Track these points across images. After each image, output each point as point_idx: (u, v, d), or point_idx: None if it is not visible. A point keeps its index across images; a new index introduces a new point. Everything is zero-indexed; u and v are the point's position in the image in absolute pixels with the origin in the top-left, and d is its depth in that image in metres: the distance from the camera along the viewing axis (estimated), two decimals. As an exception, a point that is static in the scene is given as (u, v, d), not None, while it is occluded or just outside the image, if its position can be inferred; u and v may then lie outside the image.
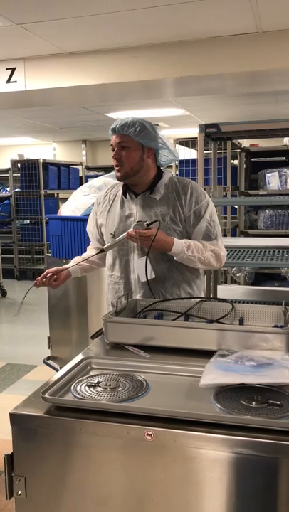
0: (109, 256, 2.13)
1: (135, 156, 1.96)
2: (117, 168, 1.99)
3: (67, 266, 2.13)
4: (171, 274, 2.00)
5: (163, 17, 3.14)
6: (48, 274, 2.02)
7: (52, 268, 2.06)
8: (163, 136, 2.05)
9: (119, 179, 2.03)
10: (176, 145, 5.58)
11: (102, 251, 2.01)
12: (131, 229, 1.88)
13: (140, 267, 1.94)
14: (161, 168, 2.10)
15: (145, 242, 1.85)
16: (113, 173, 3.82)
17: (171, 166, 6.24)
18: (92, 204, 3.39)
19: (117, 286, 2.09)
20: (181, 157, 5.80)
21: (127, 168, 1.97)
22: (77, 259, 2.20)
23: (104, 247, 2.01)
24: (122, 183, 2.09)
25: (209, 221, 2.01)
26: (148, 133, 1.96)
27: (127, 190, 2.08)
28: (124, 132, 1.95)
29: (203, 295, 2.19)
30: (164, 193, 2.03)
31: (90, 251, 2.25)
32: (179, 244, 1.90)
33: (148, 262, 1.90)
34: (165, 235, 1.90)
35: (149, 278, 1.90)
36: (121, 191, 2.10)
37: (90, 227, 2.25)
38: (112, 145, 2.00)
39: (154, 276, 1.94)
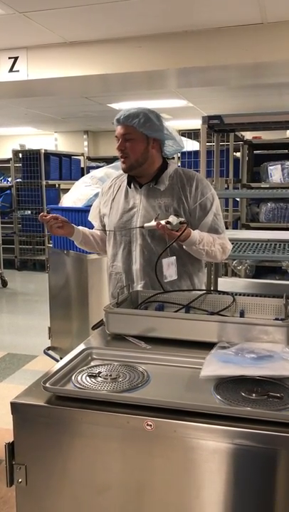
0: (110, 246, 2.13)
1: (140, 147, 1.95)
2: (122, 159, 1.98)
3: (77, 226, 2.11)
4: (173, 266, 2.00)
5: (167, 7, 3.11)
6: (57, 218, 2.00)
7: (63, 218, 2.04)
8: (168, 126, 2.04)
9: (124, 171, 2.03)
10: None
11: (142, 227, 1.96)
12: (166, 220, 1.81)
13: (168, 267, 1.90)
14: (167, 159, 2.09)
15: (170, 237, 1.83)
16: (115, 164, 3.83)
17: (174, 158, 6.23)
18: (94, 195, 3.40)
19: (119, 277, 2.09)
20: (184, 149, 5.76)
21: (132, 160, 1.96)
22: (85, 228, 2.19)
23: (146, 224, 1.93)
24: (126, 174, 2.08)
25: (216, 214, 2.01)
26: (152, 124, 1.95)
27: (131, 180, 2.07)
28: (128, 123, 1.93)
29: (204, 287, 2.19)
30: (168, 184, 2.02)
31: (96, 231, 2.24)
32: (194, 238, 1.89)
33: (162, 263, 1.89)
34: (187, 231, 1.87)
35: (171, 278, 1.89)
36: (126, 182, 2.09)
37: (92, 217, 2.25)
38: (116, 136, 1.98)
39: (175, 277, 1.91)
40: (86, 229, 2.20)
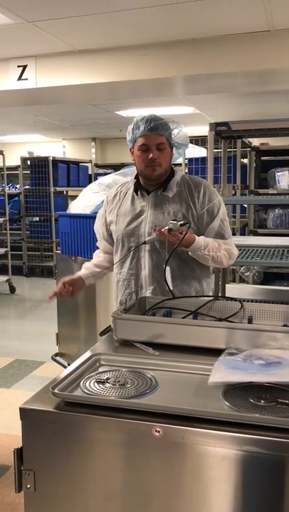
0: (117, 254, 2.14)
1: (169, 156, 2.01)
2: (153, 167, 1.95)
3: (80, 273, 2.15)
4: (181, 271, 2.01)
5: (174, 15, 3.14)
6: (64, 284, 2.05)
7: (66, 278, 2.08)
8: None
9: (154, 179, 2.00)
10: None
11: (144, 243, 1.97)
12: (166, 228, 1.82)
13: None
14: (174, 166, 2.11)
15: (171, 241, 1.84)
16: (123, 170, 3.85)
17: (181, 165, 6.26)
18: (102, 201, 3.41)
19: (127, 283, 2.09)
20: (191, 155, 5.79)
21: (163, 169, 1.98)
22: (88, 265, 2.21)
23: (147, 239, 1.95)
24: (132, 181, 2.10)
25: (222, 220, 2.03)
26: (177, 136, 2.01)
27: (138, 187, 2.08)
28: (163, 133, 1.95)
29: (211, 293, 2.18)
30: (176, 190, 2.03)
31: (98, 256, 2.26)
32: (199, 243, 1.90)
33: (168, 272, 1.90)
34: (189, 235, 1.88)
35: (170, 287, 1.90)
36: (132, 189, 2.10)
37: (98, 227, 2.25)
38: (145, 144, 1.94)
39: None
40: (90, 265, 2.22)
